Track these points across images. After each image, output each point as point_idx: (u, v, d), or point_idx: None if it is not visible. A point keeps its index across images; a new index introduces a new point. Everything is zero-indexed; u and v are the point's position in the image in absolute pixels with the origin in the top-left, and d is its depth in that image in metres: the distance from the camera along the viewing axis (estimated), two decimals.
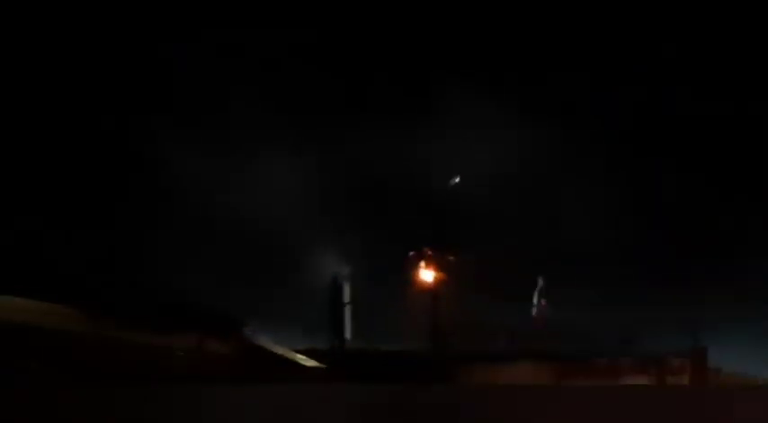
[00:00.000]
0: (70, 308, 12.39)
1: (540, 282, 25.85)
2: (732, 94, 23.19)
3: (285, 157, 23.18)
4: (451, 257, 25.36)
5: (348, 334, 25.87)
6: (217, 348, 15.29)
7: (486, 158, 24.31)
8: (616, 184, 23.71)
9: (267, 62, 22.90)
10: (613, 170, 23.87)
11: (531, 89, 23.85)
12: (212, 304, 16.99)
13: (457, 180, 25.86)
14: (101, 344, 12.01)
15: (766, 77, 22.81)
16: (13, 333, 11.28)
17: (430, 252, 25.48)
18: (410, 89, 24.28)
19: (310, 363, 19.79)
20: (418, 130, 23.71)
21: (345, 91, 24.00)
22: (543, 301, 25.41)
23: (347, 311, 25.32)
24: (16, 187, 18.74)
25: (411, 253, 25.53)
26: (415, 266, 25.68)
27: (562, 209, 24.14)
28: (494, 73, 24.06)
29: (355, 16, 23.37)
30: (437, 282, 25.26)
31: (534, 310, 25.24)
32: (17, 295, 12.50)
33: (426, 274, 25.66)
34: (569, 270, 23.67)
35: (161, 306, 14.09)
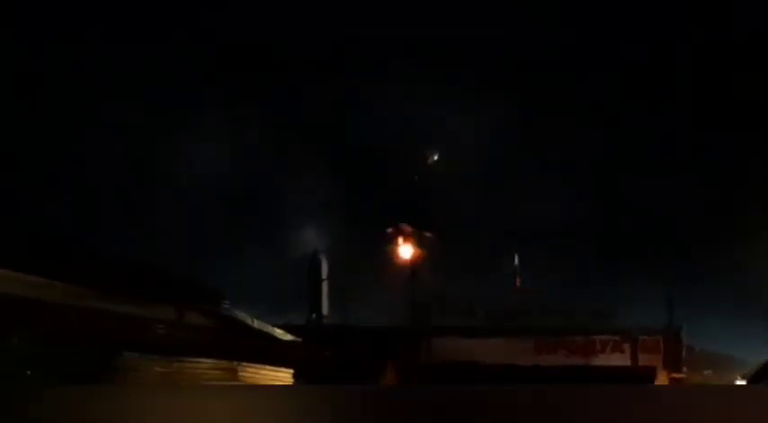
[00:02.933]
0: (48, 279, 12.36)
1: (516, 259, 26.04)
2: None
3: (267, 129, 23.23)
4: (429, 234, 25.49)
5: (325, 309, 25.96)
6: (195, 321, 15.30)
7: (464, 135, 24.43)
8: (591, 159, 23.91)
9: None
10: (589, 146, 24.06)
11: (506, 65, 23.99)
12: (190, 277, 17.01)
13: (435, 157, 25.97)
14: (80, 315, 11.99)
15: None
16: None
17: (408, 228, 25.59)
18: (393, 64, 24.36)
19: (287, 337, 19.83)
20: (398, 107, 23.83)
21: (331, 63, 24.06)
22: (518, 278, 25.62)
23: (324, 287, 25.42)
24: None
25: (389, 229, 25.64)
26: (394, 243, 25.80)
27: (538, 186, 24.31)
28: (468, 51, 24.18)
29: None
30: (415, 258, 25.39)
31: (510, 287, 25.47)
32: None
33: (404, 250, 25.76)
34: (544, 247, 23.88)
35: (139, 277, 14.06)
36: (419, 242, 24.76)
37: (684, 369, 23.82)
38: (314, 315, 24.47)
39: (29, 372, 11.94)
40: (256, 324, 19.28)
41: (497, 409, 9.08)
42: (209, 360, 15.55)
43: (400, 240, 24.80)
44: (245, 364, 16.54)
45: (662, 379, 22.04)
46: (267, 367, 17.54)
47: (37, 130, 19.94)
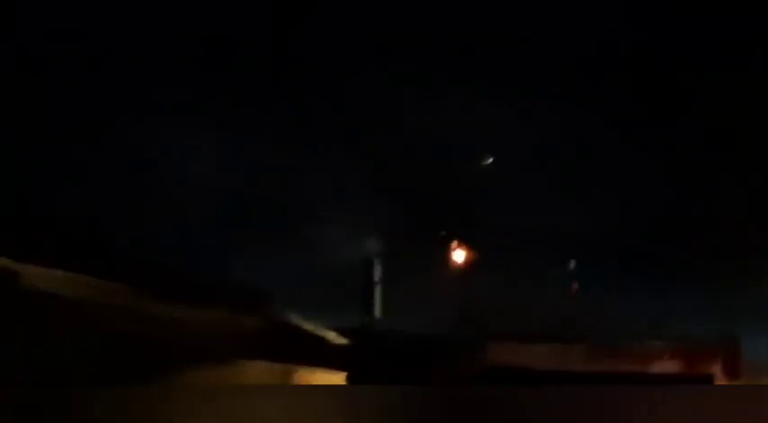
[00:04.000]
0: (97, 279, 12.44)
1: (572, 264, 25.79)
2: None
3: (317, 132, 23.21)
4: (483, 239, 25.35)
5: (378, 312, 25.91)
6: (247, 324, 15.34)
7: (518, 139, 24.24)
8: (650, 164, 23.59)
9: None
10: (648, 149, 23.74)
11: (561, 67, 23.75)
12: (242, 278, 17.06)
13: (490, 160, 25.85)
14: (129, 318, 12.06)
15: None
16: (51, 305, 11.37)
17: (462, 233, 25.49)
18: (439, 67, 24.23)
19: (340, 340, 19.82)
20: (451, 108, 23.68)
21: (372, 68, 23.99)
22: (575, 284, 25.36)
23: (377, 290, 25.36)
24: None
25: (443, 233, 25.56)
26: (447, 247, 25.70)
27: (594, 190, 24.06)
28: (522, 53, 23.98)
29: None
30: (468, 262, 25.29)
31: (566, 292, 25.22)
32: (52, 267, 12.60)
33: (457, 255, 25.68)
34: (601, 252, 23.60)
35: (191, 279, 14.14)
36: (472, 246, 24.66)
37: (742, 377, 23.45)
38: (366, 318, 24.42)
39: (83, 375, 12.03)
40: (308, 327, 19.32)
41: (552, 410, 8.99)
42: (260, 362, 15.61)
43: (454, 244, 24.72)
44: (297, 367, 16.57)
45: None
46: (320, 370, 17.57)
47: (64, 127, 20.11)
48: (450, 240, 24.31)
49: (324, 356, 17.55)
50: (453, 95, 23.62)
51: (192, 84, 21.97)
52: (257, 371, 14.89)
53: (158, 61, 21.71)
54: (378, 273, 26.70)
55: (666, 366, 22.70)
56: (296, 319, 17.72)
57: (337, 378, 17.67)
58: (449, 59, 23.56)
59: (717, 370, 22.40)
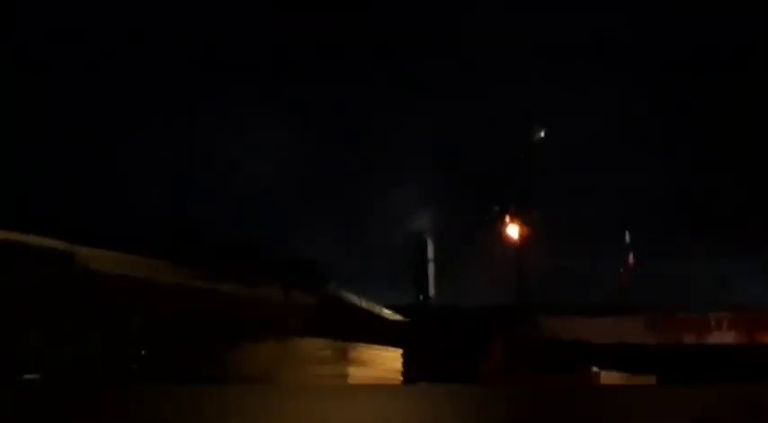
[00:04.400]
0: (160, 260, 12.48)
1: (627, 236, 25.50)
2: None
3: (370, 110, 23.16)
4: (537, 212, 25.11)
5: (431, 289, 25.83)
6: (303, 300, 15.32)
7: (570, 112, 24.01)
8: (707, 132, 23.23)
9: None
10: (704, 118, 23.38)
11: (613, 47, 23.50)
12: (298, 257, 17.04)
13: (542, 134, 25.55)
14: (191, 295, 12.08)
15: None
16: (111, 284, 11.43)
17: (515, 207, 25.24)
18: (493, 45, 24.04)
19: (395, 317, 19.78)
20: (503, 85, 23.52)
21: (425, 47, 23.86)
22: (631, 256, 25.09)
23: (430, 267, 25.30)
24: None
25: (496, 208, 25.35)
26: (501, 222, 25.49)
27: (649, 161, 23.75)
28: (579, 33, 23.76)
29: None
30: (522, 237, 25.04)
31: (622, 265, 24.97)
32: (110, 249, 12.67)
33: (512, 230, 25.42)
34: (658, 222, 23.30)
35: (249, 257, 14.14)
36: (526, 221, 24.44)
37: None
38: (421, 295, 24.38)
39: (143, 352, 12.11)
40: (364, 304, 19.29)
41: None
42: (319, 340, 15.59)
43: (507, 219, 24.51)
44: (354, 343, 16.54)
45: None
46: (376, 347, 17.53)
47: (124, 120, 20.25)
48: (504, 215, 24.09)
49: (379, 333, 17.51)
50: (507, 70, 23.47)
51: (251, 70, 22.14)
52: (314, 347, 14.88)
53: (228, 57, 21.93)
54: (431, 250, 26.66)
55: (726, 336, 22.35)
56: (351, 297, 17.70)
57: (393, 354, 17.64)
58: (510, 37, 23.48)
59: None
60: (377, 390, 12.69)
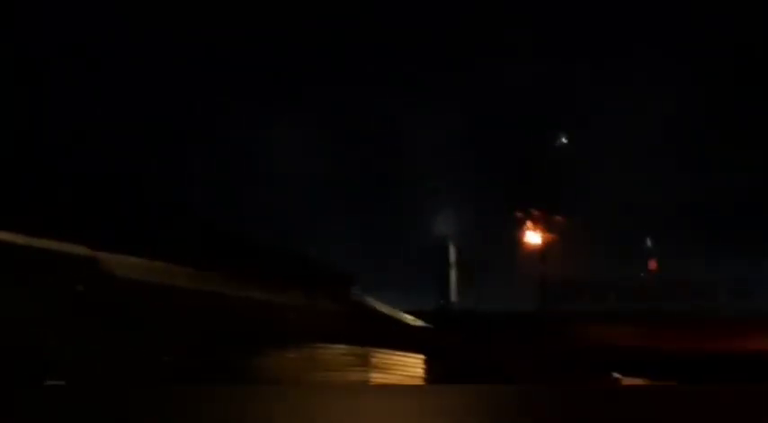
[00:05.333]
0: (180, 265, 12.49)
1: (648, 242, 25.36)
2: None
3: (390, 114, 23.12)
4: (559, 218, 25.03)
5: (453, 295, 25.73)
6: (326, 306, 15.31)
7: (591, 119, 23.93)
8: (723, 139, 23.09)
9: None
10: (718, 127, 23.25)
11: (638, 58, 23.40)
12: (319, 261, 17.02)
13: (564, 141, 25.49)
14: (214, 301, 12.08)
15: None
16: (131, 291, 11.44)
17: (537, 213, 25.18)
18: (521, 52, 23.96)
19: (417, 323, 19.74)
20: (524, 92, 23.41)
21: (448, 49, 23.82)
22: (653, 261, 24.94)
23: (453, 272, 25.19)
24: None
25: (518, 214, 25.28)
26: (522, 227, 25.42)
27: (668, 165, 23.63)
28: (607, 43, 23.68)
29: None
30: (545, 243, 24.97)
31: (644, 269, 24.84)
32: (130, 254, 12.69)
33: (533, 236, 25.35)
34: (679, 224, 23.17)
35: (272, 262, 14.14)
36: (548, 227, 24.38)
37: None
38: (442, 301, 24.29)
39: (166, 358, 12.11)
40: (386, 309, 19.26)
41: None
42: (341, 346, 15.57)
43: (529, 225, 24.45)
44: (376, 349, 16.52)
45: None
46: (398, 353, 17.49)
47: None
48: (526, 221, 24.03)
49: (402, 339, 17.49)
50: (530, 72, 23.36)
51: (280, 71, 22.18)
52: (336, 353, 14.87)
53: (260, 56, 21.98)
54: (453, 254, 26.55)
55: (750, 341, 22.19)
56: (374, 303, 17.69)
57: (415, 360, 17.61)
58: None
59: None
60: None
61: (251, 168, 21.18)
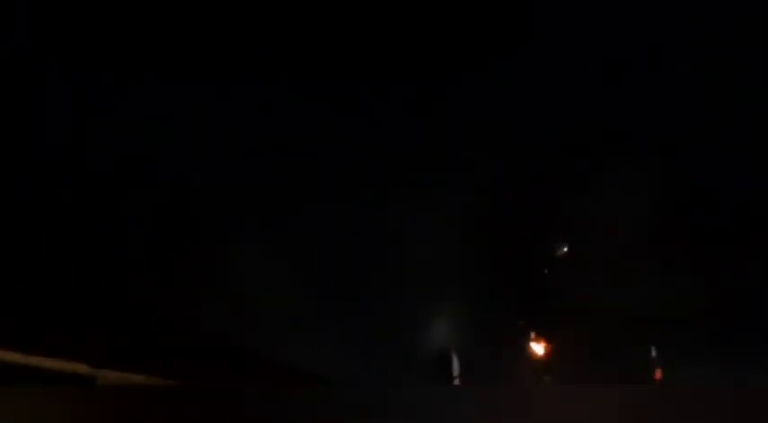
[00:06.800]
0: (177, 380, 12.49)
1: (653, 351, 25.18)
2: None
3: (395, 232, 23.22)
4: (562, 328, 24.94)
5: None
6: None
7: (592, 223, 24.00)
8: (730, 244, 23.12)
9: None
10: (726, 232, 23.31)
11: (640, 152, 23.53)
12: (312, 370, 16.95)
13: (565, 249, 25.55)
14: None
15: None
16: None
17: (540, 323, 25.11)
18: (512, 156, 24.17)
19: None
20: (527, 196, 23.56)
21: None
22: (659, 371, 24.73)
23: (456, 383, 24.99)
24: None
25: (520, 323, 25.20)
26: (526, 337, 25.31)
27: (672, 270, 23.61)
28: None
29: None
30: (548, 353, 24.84)
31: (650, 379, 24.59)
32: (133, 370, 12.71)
33: (536, 347, 25.23)
34: (685, 332, 23.03)
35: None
36: (551, 336, 24.28)
37: None
38: None
39: None
40: None
41: None
42: None
43: (532, 336, 24.36)
44: None
45: None
46: None
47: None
48: (529, 330, 23.97)
49: None
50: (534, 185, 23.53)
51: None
52: None
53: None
54: (456, 366, 26.39)
55: None
56: None
57: None
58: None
59: None
60: None
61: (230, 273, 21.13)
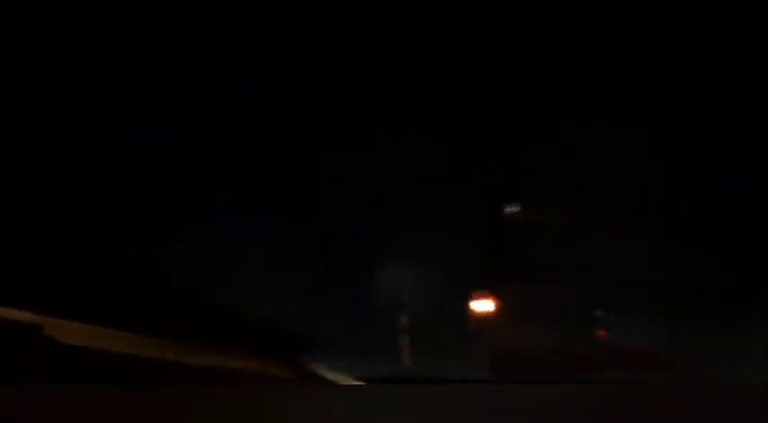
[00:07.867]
0: (127, 332, 12.39)
1: (598, 313, 25.49)
2: None
3: (351, 185, 23.27)
4: (507, 286, 25.18)
5: (407, 362, 25.72)
6: (278, 374, 15.17)
7: (545, 186, 24.20)
8: (680, 210, 23.38)
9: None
10: (678, 196, 23.56)
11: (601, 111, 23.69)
12: (275, 327, 16.97)
13: (516, 209, 25.71)
14: (161, 368, 11.97)
15: None
16: (78, 358, 11.31)
17: (485, 281, 25.35)
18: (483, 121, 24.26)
19: None
20: (483, 158, 23.70)
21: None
22: (602, 331, 25.06)
23: (405, 339, 25.21)
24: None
25: (467, 280, 25.42)
26: (474, 296, 25.52)
27: (619, 237, 23.91)
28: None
29: None
30: (493, 311, 25.07)
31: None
32: (76, 320, 12.56)
33: (481, 304, 25.46)
34: (630, 298, 23.34)
35: (223, 328, 14.04)
36: (497, 295, 24.55)
37: None
38: (397, 367, 24.28)
39: None
40: (334, 377, 19.19)
41: None
42: None
43: (479, 294, 24.63)
44: None
45: None
46: None
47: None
48: (475, 288, 24.28)
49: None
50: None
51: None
52: None
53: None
54: (405, 322, 26.61)
55: None
56: (326, 371, 17.63)
57: None
58: None
59: None
60: None
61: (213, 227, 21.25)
